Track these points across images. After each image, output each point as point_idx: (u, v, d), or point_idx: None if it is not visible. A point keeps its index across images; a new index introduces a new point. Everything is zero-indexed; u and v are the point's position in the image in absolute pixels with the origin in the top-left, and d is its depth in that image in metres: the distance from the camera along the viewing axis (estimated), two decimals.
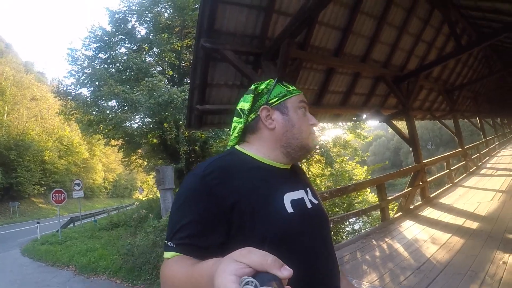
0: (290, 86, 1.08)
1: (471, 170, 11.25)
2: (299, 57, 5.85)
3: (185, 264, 0.75)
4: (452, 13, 8.11)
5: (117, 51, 16.00)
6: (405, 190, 7.40)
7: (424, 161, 8.30)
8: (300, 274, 0.76)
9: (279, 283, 0.46)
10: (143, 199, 23.49)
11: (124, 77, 14.36)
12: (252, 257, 0.49)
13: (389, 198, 6.82)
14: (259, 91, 1.06)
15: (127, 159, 19.77)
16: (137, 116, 13.95)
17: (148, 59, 15.73)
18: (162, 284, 0.80)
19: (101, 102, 14.62)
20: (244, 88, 5.84)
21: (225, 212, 0.83)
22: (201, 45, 4.65)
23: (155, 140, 16.06)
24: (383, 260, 4.37)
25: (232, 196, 0.85)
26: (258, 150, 1.03)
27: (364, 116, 10.25)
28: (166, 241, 0.85)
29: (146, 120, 14.55)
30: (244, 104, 1.06)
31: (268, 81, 1.09)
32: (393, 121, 9.22)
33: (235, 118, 1.09)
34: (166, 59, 15.00)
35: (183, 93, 12.02)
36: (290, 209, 0.92)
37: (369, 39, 7.31)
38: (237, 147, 1.06)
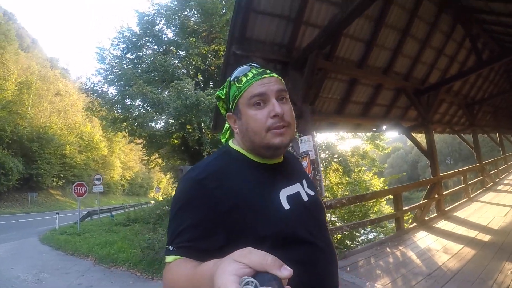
0: (244, 78, 0.98)
1: (488, 186, 11.20)
2: (324, 67, 6.11)
3: (186, 267, 0.76)
4: (474, 27, 8.23)
5: (143, 53, 16.57)
6: (421, 202, 7.53)
7: (441, 174, 8.40)
8: (301, 269, 0.78)
9: (279, 283, 0.47)
10: (160, 198, 23.88)
11: (150, 78, 14.74)
12: (252, 257, 0.50)
13: (404, 208, 6.95)
14: (223, 97, 1.07)
15: (148, 157, 20.18)
16: (163, 116, 14.25)
17: (174, 61, 16.15)
18: (166, 286, 0.83)
19: (128, 101, 15.07)
20: None
21: (224, 215, 0.84)
22: (233, 52, 4.94)
23: (177, 141, 16.35)
24: (396, 266, 4.55)
25: (230, 199, 0.86)
26: (244, 146, 1.03)
27: (384, 127, 10.38)
28: (167, 246, 0.87)
29: (170, 121, 14.84)
30: (222, 111, 1.11)
31: (226, 83, 1.05)
32: (412, 134, 9.28)
33: (227, 122, 1.11)
34: (193, 62, 15.33)
35: (209, 96, 12.31)
36: (286, 206, 0.93)
37: (392, 52, 7.50)
38: (230, 143, 1.07)
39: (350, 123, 8.90)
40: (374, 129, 10.75)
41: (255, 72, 0.98)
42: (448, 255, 4.68)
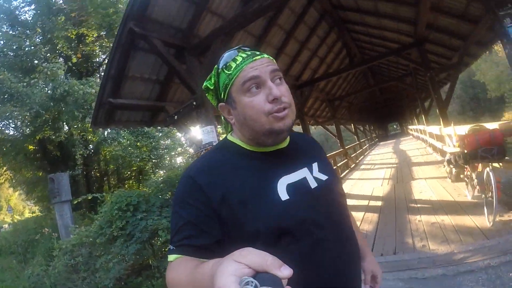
0: (233, 63, 0.90)
1: (352, 166, 13.31)
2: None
3: (186, 266, 0.75)
4: (346, 36, 9.63)
5: None
6: None
7: None
8: (304, 267, 0.78)
9: (279, 283, 0.47)
10: (15, 220, 19.41)
11: (5, 62, 11.76)
12: (252, 257, 0.50)
13: None
14: (212, 87, 0.98)
15: None
16: (16, 113, 10.93)
17: (38, 45, 12.91)
18: (168, 285, 0.81)
19: None
20: (159, 84, 5.79)
21: (216, 210, 0.82)
22: (129, 28, 4.40)
23: (31, 147, 13.36)
24: None
25: (220, 193, 0.83)
26: (242, 137, 0.98)
27: None
28: (170, 245, 0.86)
29: (28, 119, 11.55)
30: (213, 102, 1.02)
31: (214, 71, 0.97)
32: None
33: (221, 112, 1.04)
34: (58, 47, 12.92)
35: (82, 86, 10.33)
36: (285, 196, 0.86)
37: (276, 49, 8.05)
38: (229, 136, 1.02)
39: None
40: None
41: (244, 55, 0.91)
42: (358, 222, 5.29)
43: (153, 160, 13.57)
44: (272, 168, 0.91)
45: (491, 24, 3.57)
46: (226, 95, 0.93)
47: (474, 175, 4.53)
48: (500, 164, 4.28)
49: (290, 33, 7.93)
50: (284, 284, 0.48)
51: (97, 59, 15.57)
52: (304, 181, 0.92)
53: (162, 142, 13.97)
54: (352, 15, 8.57)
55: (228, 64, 0.91)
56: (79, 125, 11.13)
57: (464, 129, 4.92)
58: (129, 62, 5.02)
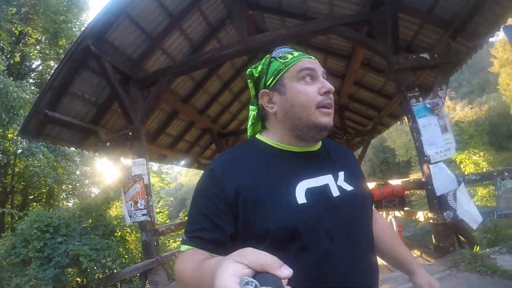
0: (289, 55, 0.93)
1: None
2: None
3: (193, 260, 0.74)
4: None
5: None
6: None
7: None
8: (309, 278, 0.77)
9: (279, 283, 0.47)
10: None
11: None
12: (252, 257, 0.49)
13: None
14: (257, 75, 0.98)
15: None
16: None
17: None
18: (175, 275, 0.82)
19: None
20: (97, 107, 5.61)
21: (230, 205, 0.82)
22: (86, 46, 4.39)
23: None
24: None
25: (235, 188, 0.82)
26: (273, 135, 0.95)
27: (183, 162, 11.06)
28: (184, 234, 0.87)
29: None
30: (251, 91, 1.01)
31: (264, 60, 0.98)
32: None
33: (250, 107, 1.03)
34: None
35: (18, 89, 9.04)
36: (302, 200, 0.82)
37: (210, 97, 8.47)
38: (257, 135, 0.99)
39: (158, 152, 8.86)
40: (175, 163, 11.25)
41: (300, 52, 0.95)
42: None
43: (69, 185, 12.31)
44: (295, 170, 0.88)
45: (401, 101, 4.38)
46: (275, 81, 0.92)
47: None
48: (401, 212, 5.03)
49: (227, 84, 8.47)
50: (284, 284, 0.47)
51: (29, 64, 14.25)
52: (325, 188, 0.88)
53: (81, 167, 12.87)
54: None
55: (283, 55, 0.93)
56: (1, 130, 9.63)
57: (371, 185, 5.67)
58: (75, 78, 4.88)
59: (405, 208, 4.93)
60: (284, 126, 0.92)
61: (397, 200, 4.59)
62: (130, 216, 4.90)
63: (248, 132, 1.04)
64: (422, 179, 4.19)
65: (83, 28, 13.22)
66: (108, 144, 5.25)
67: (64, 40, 12.46)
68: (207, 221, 0.81)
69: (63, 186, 12.63)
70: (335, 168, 0.95)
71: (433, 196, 3.91)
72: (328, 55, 6.83)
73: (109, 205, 6.63)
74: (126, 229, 5.97)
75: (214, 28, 6.37)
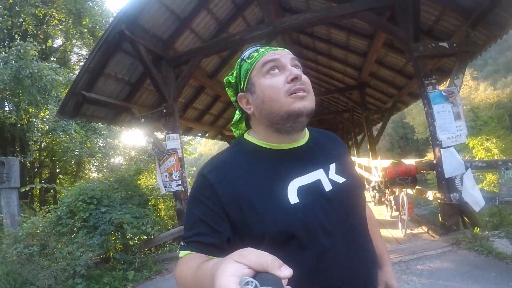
0: (255, 53, 0.92)
1: None
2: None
3: (193, 264, 0.74)
4: None
5: None
6: None
7: None
8: (310, 276, 0.79)
9: (279, 283, 0.46)
10: None
11: None
12: (252, 257, 0.49)
13: None
14: (233, 81, 0.98)
15: None
16: None
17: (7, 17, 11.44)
18: (176, 280, 0.82)
19: None
20: (130, 86, 6.02)
21: (225, 209, 0.82)
22: (120, 30, 4.69)
23: None
24: None
25: (230, 192, 0.83)
26: (258, 135, 0.94)
27: (207, 134, 11.51)
28: (182, 241, 0.87)
29: None
30: (231, 98, 1.01)
31: (236, 65, 0.97)
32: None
33: (237, 111, 1.04)
34: (24, 23, 11.83)
35: (51, 71, 9.44)
36: (294, 200, 0.82)
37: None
38: (245, 135, 0.98)
39: (185, 125, 9.34)
40: (199, 135, 11.71)
41: (266, 47, 0.93)
42: None
43: (97, 158, 13.05)
44: (285, 169, 0.87)
45: (419, 86, 4.60)
46: (246, 82, 0.91)
47: (392, 198, 5.78)
48: (413, 190, 5.39)
49: None
50: (284, 284, 0.47)
51: (53, 44, 14.63)
52: (317, 183, 0.87)
53: (109, 140, 13.52)
54: (308, 53, 9.62)
55: (250, 55, 0.91)
56: (35, 110, 10.16)
57: (387, 162, 6.10)
58: (109, 60, 5.22)
59: (417, 187, 5.28)
60: (263, 123, 0.91)
61: (409, 178, 4.92)
62: (165, 187, 5.44)
63: (234, 133, 1.06)
64: (434, 161, 4.47)
65: (104, 7, 13.59)
66: (142, 120, 5.67)
67: (87, 20, 12.69)
68: (204, 225, 0.82)
69: (92, 160, 13.26)
70: (325, 161, 0.94)
71: (442, 178, 4.23)
72: (350, 33, 6.90)
73: (139, 176, 7.11)
74: (158, 199, 6.44)
75: (240, 7, 6.54)
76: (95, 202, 4.81)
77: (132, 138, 14.09)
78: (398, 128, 40.13)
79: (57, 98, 9.95)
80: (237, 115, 1.03)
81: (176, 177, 5.33)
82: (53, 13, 12.72)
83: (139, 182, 6.71)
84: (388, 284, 1.10)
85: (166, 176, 5.42)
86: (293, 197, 0.82)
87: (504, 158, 6.29)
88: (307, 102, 0.85)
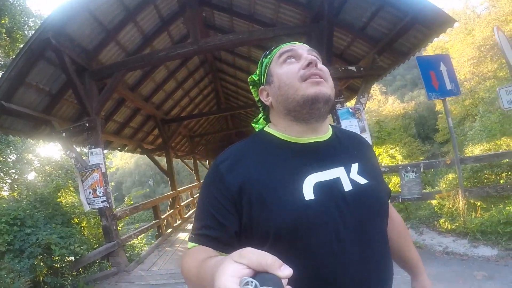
0: (274, 49, 0.95)
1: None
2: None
3: (198, 258, 0.73)
4: (218, 83, 11.29)
5: None
6: (168, 212, 9.12)
7: (178, 189, 10.38)
8: (317, 277, 0.75)
9: (279, 283, 0.46)
10: None
11: None
12: (252, 257, 0.48)
13: (162, 217, 8.29)
14: (256, 78, 1.01)
15: None
16: None
17: None
18: (182, 272, 0.81)
19: None
20: (50, 96, 5.66)
21: (234, 202, 0.79)
22: (47, 38, 4.49)
23: None
24: None
25: (239, 183, 0.79)
26: (278, 127, 0.92)
27: (127, 147, 11.18)
28: (191, 232, 0.86)
29: None
30: (255, 96, 1.03)
31: (259, 64, 1.00)
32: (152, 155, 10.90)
33: (260, 114, 1.06)
34: None
35: None
36: (310, 196, 0.77)
37: (156, 84, 8.70)
38: (265, 128, 0.97)
39: (104, 139, 8.92)
40: (119, 148, 11.29)
41: (285, 44, 0.95)
42: None
43: (13, 175, 11.44)
44: (303, 163, 0.83)
45: None
46: (265, 75, 0.94)
47: None
48: None
49: (172, 73, 8.75)
50: (284, 284, 0.47)
51: None
52: (336, 181, 0.82)
53: (25, 155, 11.95)
54: (227, 68, 10.09)
55: (270, 52, 0.96)
56: None
57: None
58: (32, 68, 4.91)
59: None
60: (281, 112, 0.90)
61: None
62: (89, 204, 5.23)
63: (256, 130, 1.05)
64: None
65: (25, 6, 12.25)
66: (63, 134, 5.43)
67: (7, 19, 11.21)
68: (212, 218, 0.80)
69: (5, 177, 11.66)
70: (348, 160, 0.89)
71: None
72: None
73: (58, 193, 6.67)
74: (81, 216, 6.15)
75: (165, 22, 6.65)
76: (18, 223, 4.45)
77: (47, 152, 12.69)
78: None
79: None
80: (261, 117, 1.07)
81: (100, 193, 5.17)
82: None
83: (59, 200, 6.28)
84: None
85: (90, 192, 5.21)
86: (308, 193, 0.78)
87: (407, 162, 7.91)
88: (323, 87, 0.84)
